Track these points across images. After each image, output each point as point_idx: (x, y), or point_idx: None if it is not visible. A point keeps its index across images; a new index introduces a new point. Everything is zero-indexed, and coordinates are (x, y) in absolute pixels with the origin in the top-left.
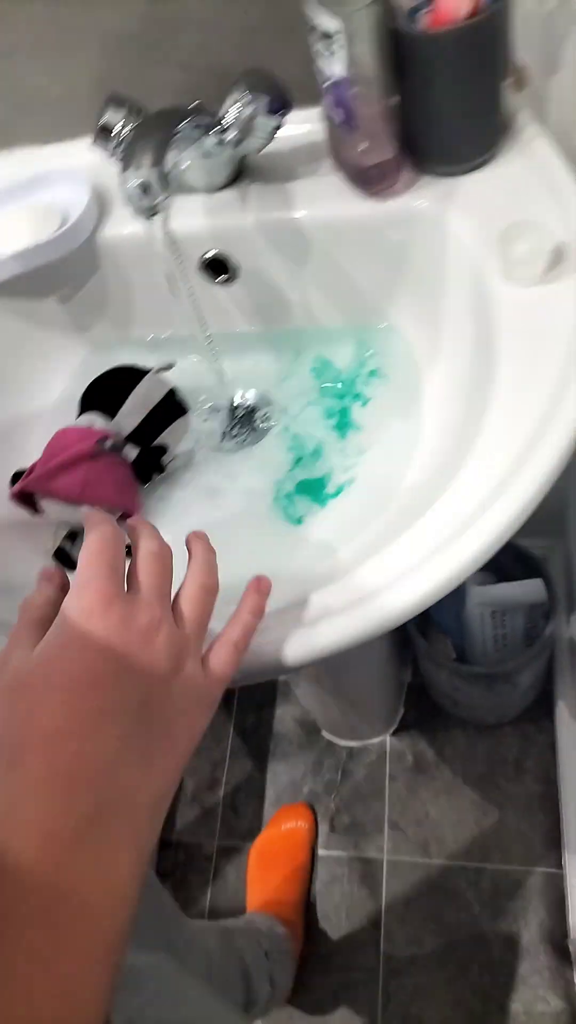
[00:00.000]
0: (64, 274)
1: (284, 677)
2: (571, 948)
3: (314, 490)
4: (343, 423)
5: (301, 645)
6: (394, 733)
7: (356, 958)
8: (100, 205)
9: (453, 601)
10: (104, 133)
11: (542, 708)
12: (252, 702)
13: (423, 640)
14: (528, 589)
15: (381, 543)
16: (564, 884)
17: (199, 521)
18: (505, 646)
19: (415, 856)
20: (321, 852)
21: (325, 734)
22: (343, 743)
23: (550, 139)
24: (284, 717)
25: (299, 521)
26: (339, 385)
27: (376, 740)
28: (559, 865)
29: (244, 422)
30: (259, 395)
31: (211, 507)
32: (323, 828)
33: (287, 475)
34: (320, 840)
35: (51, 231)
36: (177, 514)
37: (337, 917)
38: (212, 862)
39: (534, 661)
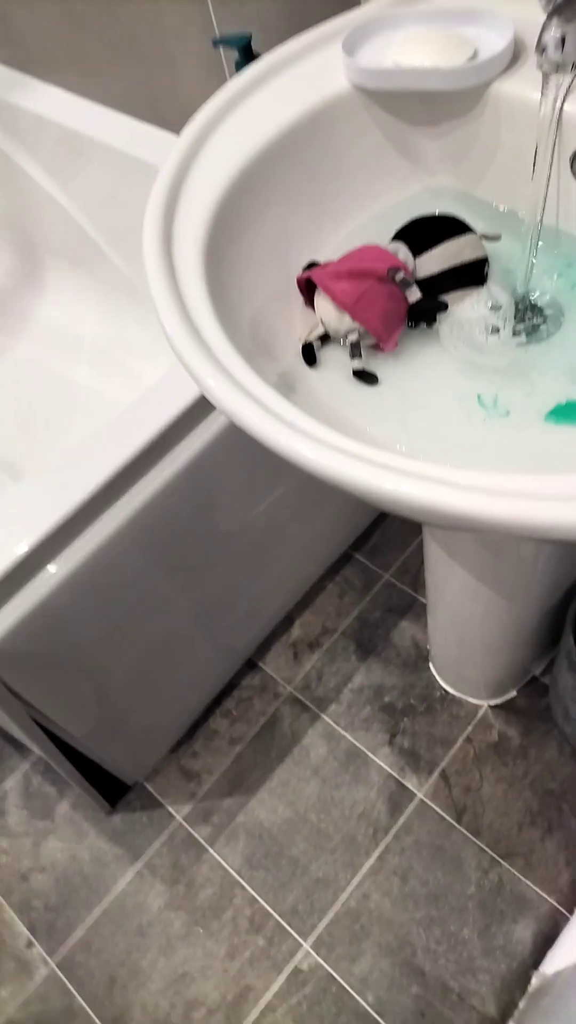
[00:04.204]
0: (444, 108)
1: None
2: (532, 977)
3: (563, 412)
4: None
5: None
6: (494, 707)
7: (341, 854)
8: (512, 57)
9: None
10: None
11: None
12: (386, 603)
13: (573, 639)
14: None
15: None
16: (560, 928)
17: (431, 383)
18: None
19: (447, 812)
20: (370, 753)
21: (432, 668)
22: (444, 685)
23: None
24: (405, 631)
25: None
26: None
27: (475, 701)
28: (570, 909)
29: (522, 318)
30: (552, 301)
31: (453, 377)
32: (383, 737)
33: (530, 380)
34: (374, 745)
35: (458, 62)
36: (421, 367)
37: (351, 810)
38: (276, 702)
39: None
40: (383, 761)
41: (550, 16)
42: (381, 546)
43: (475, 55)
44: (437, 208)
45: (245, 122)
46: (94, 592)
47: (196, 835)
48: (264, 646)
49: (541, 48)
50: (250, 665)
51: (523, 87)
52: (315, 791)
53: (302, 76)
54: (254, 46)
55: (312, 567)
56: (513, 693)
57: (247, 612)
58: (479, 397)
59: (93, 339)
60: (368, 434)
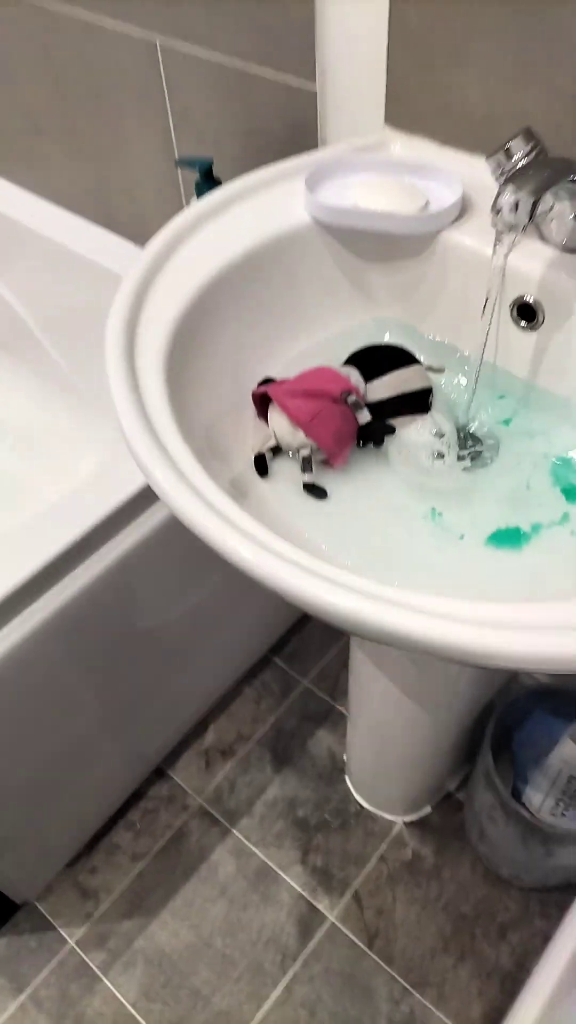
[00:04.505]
0: (396, 249)
1: (344, 707)
2: None
3: (502, 536)
4: (563, 499)
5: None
6: (409, 823)
7: (246, 983)
8: (460, 211)
9: (541, 740)
10: (503, 154)
11: (558, 896)
12: (302, 711)
13: (492, 758)
14: None
15: None
16: None
17: (377, 502)
18: (561, 815)
19: (359, 937)
20: (281, 872)
21: (348, 781)
22: (359, 799)
23: None
24: (322, 741)
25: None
26: (571, 469)
27: (390, 817)
28: None
29: (463, 446)
30: (489, 432)
31: (400, 496)
32: (295, 854)
33: (471, 506)
34: (285, 862)
35: (413, 209)
36: (368, 485)
37: (258, 934)
38: (184, 815)
39: None
40: (294, 880)
41: (505, 183)
42: (300, 651)
43: (427, 205)
44: (386, 338)
45: (209, 241)
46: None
47: (89, 962)
48: (175, 753)
49: (496, 210)
50: (159, 773)
51: (469, 238)
52: (222, 912)
53: (265, 205)
54: (214, 172)
55: (230, 670)
56: (428, 809)
57: (160, 716)
58: (426, 515)
59: (21, 426)
60: (314, 545)
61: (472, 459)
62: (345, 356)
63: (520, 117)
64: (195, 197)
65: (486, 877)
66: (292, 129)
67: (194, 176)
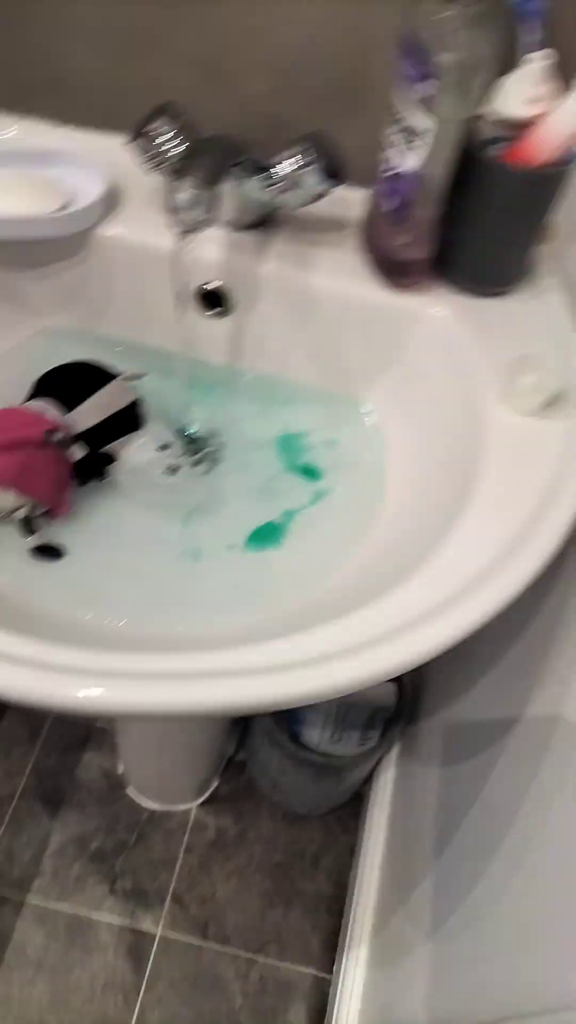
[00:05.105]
0: (43, 252)
1: (103, 723)
2: None
3: (259, 536)
4: (299, 478)
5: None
6: (202, 804)
7: None
8: (111, 201)
9: None
10: (147, 137)
11: (350, 808)
12: (59, 743)
13: (269, 716)
14: (381, 691)
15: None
16: (331, 991)
17: (121, 539)
18: (339, 740)
19: (191, 936)
20: (93, 916)
21: (130, 791)
22: (147, 804)
23: (563, 294)
24: (91, 764)
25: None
26: (296, 447)
27: (182, 807)
28: (330, 971)
29: (191, 452)
30: (211, 429)
31: (144, 526)
32: (103, 889)
33: (220, 513)
34: (94, 903)
35: (52, 208)
36: (105, 525)
37: (91, 988)
38: None
39: (364, 762)
40: (110, 916)
41: (177, 178)
42: None
43: (68, 201)
44: (61, 352)
45: None
46: None
47: None
48: None
49: (175, 209)
50: None
51: (129, 231)
52: (46, 987)
53: None
54: None
55: None
56: (216, 782)
57: None
58: (178, 538)
59: None
60: (60, 615)
61: (208, 462)
62: (27, 386)
63: (152, 86)
64: None
65: (286, 819)
66: None
67: None
